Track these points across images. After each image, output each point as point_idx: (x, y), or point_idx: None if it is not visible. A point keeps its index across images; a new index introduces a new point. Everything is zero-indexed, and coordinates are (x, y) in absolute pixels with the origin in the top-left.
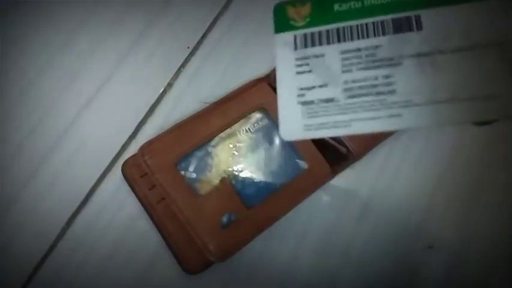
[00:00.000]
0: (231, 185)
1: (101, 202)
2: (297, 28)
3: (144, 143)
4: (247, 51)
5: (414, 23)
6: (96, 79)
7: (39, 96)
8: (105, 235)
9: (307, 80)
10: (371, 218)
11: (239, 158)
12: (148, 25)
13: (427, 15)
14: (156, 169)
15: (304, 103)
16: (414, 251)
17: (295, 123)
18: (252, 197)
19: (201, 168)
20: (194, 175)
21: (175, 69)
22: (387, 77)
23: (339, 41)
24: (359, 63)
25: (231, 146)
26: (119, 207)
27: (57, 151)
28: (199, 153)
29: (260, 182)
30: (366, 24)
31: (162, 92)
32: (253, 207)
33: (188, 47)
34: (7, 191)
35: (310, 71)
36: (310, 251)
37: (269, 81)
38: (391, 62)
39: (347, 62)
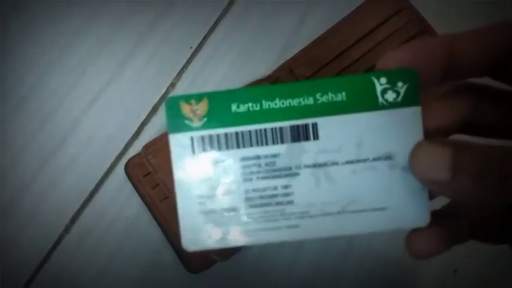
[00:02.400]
0: None
1: (105, 201)
2: (193, 129)
3: (148, 142)
4: (250, 52)
5: (311, 131)
6: (100, 79)
7: (43, 96)
8: (108, 233)
9: (208, 187)
10: None
11: None
12: (151, 25)
13: (323, 124)
14: (159, 168)
15: (206, 212)
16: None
17: (198, 233)
18: None
19: None
20: None
21: (178, 70)
22: (286, 187)
23: (238, 146)
24: (259, 171)
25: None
26: (122, 206)
27: (61, 150)
28: None
29: None
30: (265, 130)
31: (164, 92)
32: None
33: (191, 47)
34: (11, 190)
35: (209, 178)
36: (312, 249)
37: (271, 81)
38: (289, 172)
39: (247, 170)
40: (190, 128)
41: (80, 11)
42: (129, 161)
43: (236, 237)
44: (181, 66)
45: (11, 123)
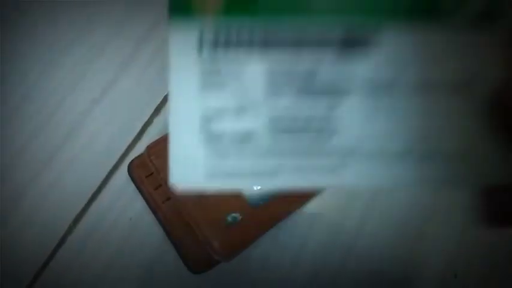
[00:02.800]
0: None
1: (107, 201)
2: (204, 16)
3: (151, 143)
4: None
5: (372, 37)
6: (102, 80)
7: (45, 96)
8: (111, 234)
9: (217, 99)
10: (375, 216)
11: None
12: (153, 26)
13: (388, 30)
14: (162, 169)
15: (210, 135)
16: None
17: (194, 164)
18: (257, 197)
19: None
20: None
21: None
22: (330, 108)
23: (265, 46)
24: (292, 83)
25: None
26: (125, 207)
27: (63, 151)
28: None
29: None
30: (307, 27)
31: (167, 93)
32: (259, 206)
33: None
34: (13, 190)
35: (221, 86)
36: (315, 251)
37: None
38: (336, 89)
39: (276, 79)
40: (200, 16)
41: (82, 11)
42: (132, 161)
43: (251, 175)
44: None
45: (12, 123)
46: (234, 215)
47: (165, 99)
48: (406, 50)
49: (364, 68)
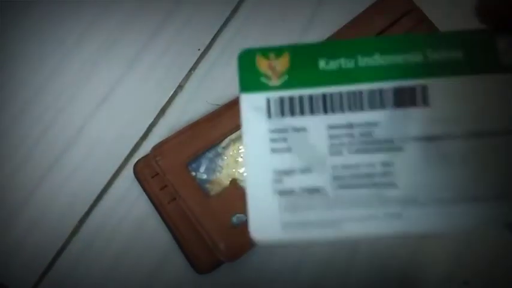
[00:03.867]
0: (241, 187)
1: (113, 202)
2: (270, 88)
3: (156, 144)
4: None
5: (421, 95)
6: (108, 81)
7: (51, 98)
8: (117, 234)
9: (285, 161)
10: None
11: None
12: (159, 27)
13: (435, 87)
14: (168, 169)
15: (282, 192)
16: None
17: (271, 218)
18: None
19: (212, 169)
20: (205, 176)
21: (186, 71)
22: (386, 164)
23: (325, 111)
24: (351, 143)
25: (242, 147)
26: (130, 207)
27: (69, 152)
28: (209, 155)
29: None
30: (361, 93)
31: (172, 93)
32: None
33: (199, 49)
34: (20, 191)
35: (288, 150)
36: (319, 253)
37: None
38: (391, 146)
39: (336, 141)
40: (267, 88)
41: (87, 13)
42: (137, 162)
43: (319, 227)
44: (189, 68)
45: (19, 124)
46: (239, 215)
47: (170, 101)
48: (452, 104)
49: (415, 126)
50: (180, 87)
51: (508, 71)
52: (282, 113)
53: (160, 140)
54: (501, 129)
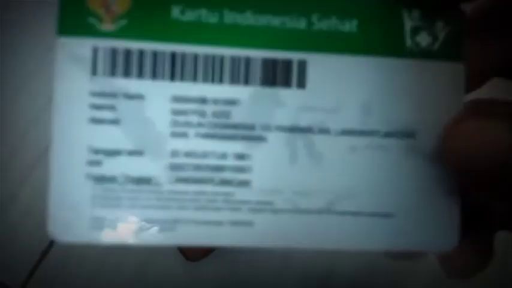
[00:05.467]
0: None
1: None
2: (100, 34)
3: None
4: None
5: (296, 72)
6: None
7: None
8: None
9: (109, 137)
10: None
11: None
12: None
13: (317, 64)
14: None
15: (98, 179)
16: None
17: (77, 213)
18: None
19: None
20: None
21: None
22: (241, 156)
23: (172, 77)
24: (200, 124)
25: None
26: None
27: None
28: None
29: None
30: (222, 58)
31: None
32: None
33: None
34: (8, 186)
35: (115, 122)
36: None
37: None
38: (251, 133)
39: (181, 118)
40: (95, 32)
41: None
42: None
43: (142, 230)
44: None
45: (4, 120)
46: None
47: None
48: (335, 89)
49: (283, 112)
50: None
51: (412, 56)
52: (113, 72)
53: None
54: (392, 130)
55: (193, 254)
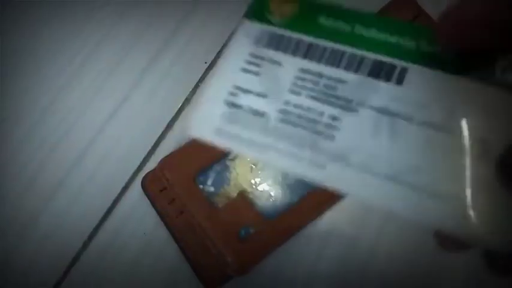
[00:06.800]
0: (249, 198)
1: (122, 216)
2: (270, 23)
3: (163, 158)
4: None
5: (397, 73)
6: (116, 96)
7: (61, 114)
8: (126, 249)
9: (249, 81)
10: (392, 229)
11: (257, 172)
12: (165, 42)
13: (416, 72)
14: (175, 183)
15: (231, 104)
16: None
17: (209, 121)
18: (270, 209)
19: (219, 182)
20: (212, 189)
21: (193, 85)
22: (334, 118)
23: (304, 56)
24: (312, 90)
25: (249, 159)
26: (139, 221)
27: (78, 168)
28: (217, 167)
29: (278, 195)
30: (343, 53)
31: (180, 107)
32: (272, 220)
33: (206, 62)
34: (30, 207)
35: (256, 74)
36: (330, 264)
37: None
38: (348, 105)
39: (300, 82)
40: (267, 22)
41: (95, 32)
42: (145, 176)
43: (247, 144)
44: (196, 82)
45: (29, 140)
46: (246, 228)
47: (177, 114)
48: (425, 92)
49: (379, 97)
50: (187, 100)
51: (501, 84)
52: (268, 45)
53: (168, 153)
54: (470, 134)
55: (211, 281)
